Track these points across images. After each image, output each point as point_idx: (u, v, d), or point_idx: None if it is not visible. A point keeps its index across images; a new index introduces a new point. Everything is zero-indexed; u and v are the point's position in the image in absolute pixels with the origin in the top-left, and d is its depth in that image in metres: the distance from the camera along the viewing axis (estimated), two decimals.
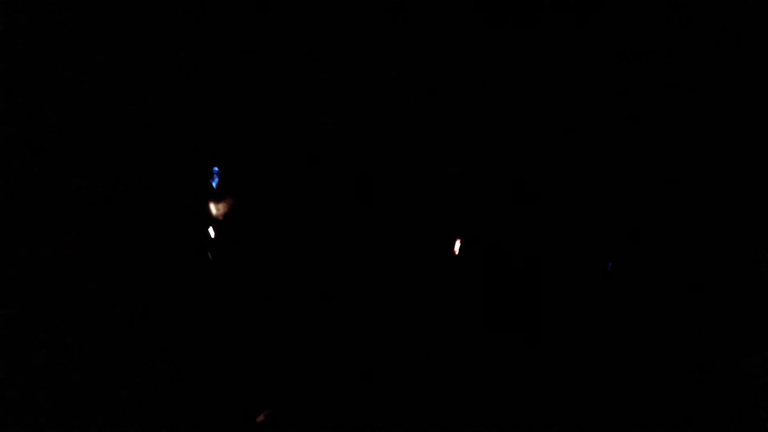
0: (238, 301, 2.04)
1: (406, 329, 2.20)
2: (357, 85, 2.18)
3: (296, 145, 2.07)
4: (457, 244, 2.25)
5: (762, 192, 2.16)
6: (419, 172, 2.20)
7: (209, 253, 1.84)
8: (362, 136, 2.14)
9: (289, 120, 2.12)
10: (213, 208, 1.69)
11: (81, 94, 2.18)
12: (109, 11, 2.16)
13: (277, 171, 1.94)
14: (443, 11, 2.23)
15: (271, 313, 2.06)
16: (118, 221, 2.18)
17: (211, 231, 1.74)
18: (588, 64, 2.23)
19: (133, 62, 2.20)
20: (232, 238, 1.75)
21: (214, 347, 2.11)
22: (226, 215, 1.68)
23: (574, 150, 2.26)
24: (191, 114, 2.22)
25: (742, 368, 2.11)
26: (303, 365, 2.14)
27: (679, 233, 2.22)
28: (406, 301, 2.20)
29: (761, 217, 2.16)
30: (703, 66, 2.19)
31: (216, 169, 1.64)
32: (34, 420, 2.07)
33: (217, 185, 1.66)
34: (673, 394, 2.13)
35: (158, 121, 2.22)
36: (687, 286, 2.18)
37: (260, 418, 1.98)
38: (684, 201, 2.21)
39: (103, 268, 2.16)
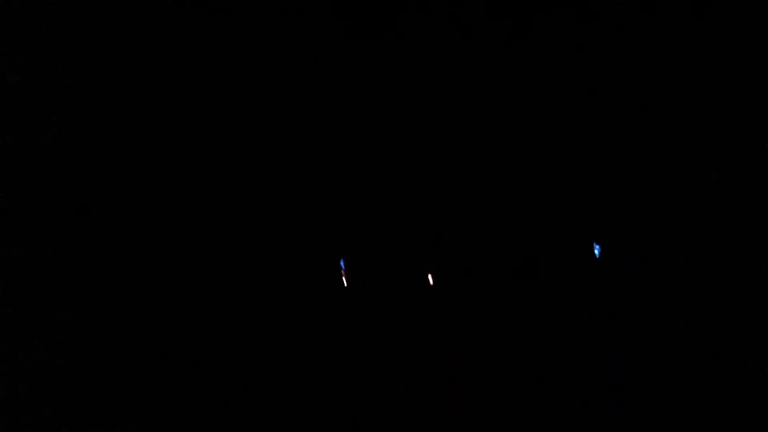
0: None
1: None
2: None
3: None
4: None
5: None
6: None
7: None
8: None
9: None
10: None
11: (81, 94, 2.19)
12: (109, 11, 2.16)
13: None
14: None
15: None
16: (117, 222, 2.18)
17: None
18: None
19: (132, 62, 2.20)
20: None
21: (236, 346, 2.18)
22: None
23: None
24: (190, 113, 2.22)
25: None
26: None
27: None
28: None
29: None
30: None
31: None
32: (35, 420, 2.07)
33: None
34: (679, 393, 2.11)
35: (158, 122, 2.22)
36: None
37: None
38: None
39: (103, 269, 2.16)
